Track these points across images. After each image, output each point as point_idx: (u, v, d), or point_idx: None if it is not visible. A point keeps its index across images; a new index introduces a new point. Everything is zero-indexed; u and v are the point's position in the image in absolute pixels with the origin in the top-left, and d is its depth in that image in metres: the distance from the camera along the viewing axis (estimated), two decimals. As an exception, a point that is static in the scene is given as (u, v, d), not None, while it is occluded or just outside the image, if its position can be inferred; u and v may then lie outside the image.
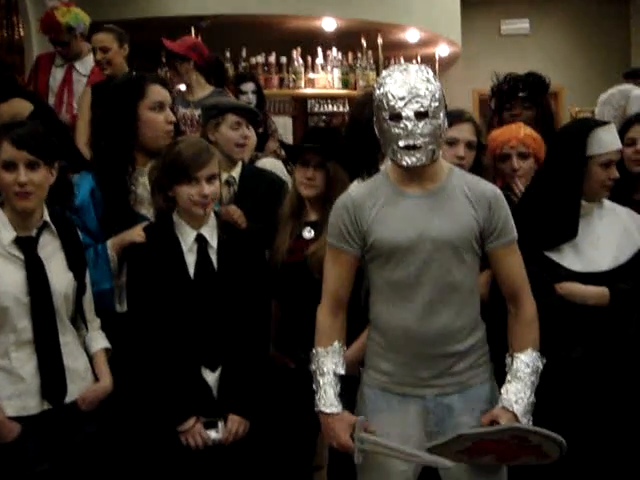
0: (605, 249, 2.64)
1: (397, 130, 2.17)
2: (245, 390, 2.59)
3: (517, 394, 2.21)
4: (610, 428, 2.57)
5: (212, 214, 2.64)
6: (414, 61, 7.54)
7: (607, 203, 2.73)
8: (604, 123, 2.67)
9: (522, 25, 10.58)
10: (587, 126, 2.65)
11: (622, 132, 3.04)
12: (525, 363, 2.25)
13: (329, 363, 2.30)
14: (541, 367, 2.27)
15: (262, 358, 2.68)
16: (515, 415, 2.18)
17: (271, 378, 2.73)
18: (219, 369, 2.57)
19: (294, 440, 2.92)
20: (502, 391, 2.25)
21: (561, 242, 2.62)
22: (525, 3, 10.38)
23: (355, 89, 7.27)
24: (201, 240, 2.58)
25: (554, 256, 2.63)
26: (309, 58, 7.24)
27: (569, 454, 2.16)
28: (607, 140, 2.63)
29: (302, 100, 7.86)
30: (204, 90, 4.48)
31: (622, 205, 2.77)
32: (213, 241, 2.61)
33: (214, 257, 2.60)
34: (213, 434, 2.53)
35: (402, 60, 7.70)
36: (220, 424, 2.55)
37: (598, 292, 2.58)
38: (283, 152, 3.85)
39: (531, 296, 2.32)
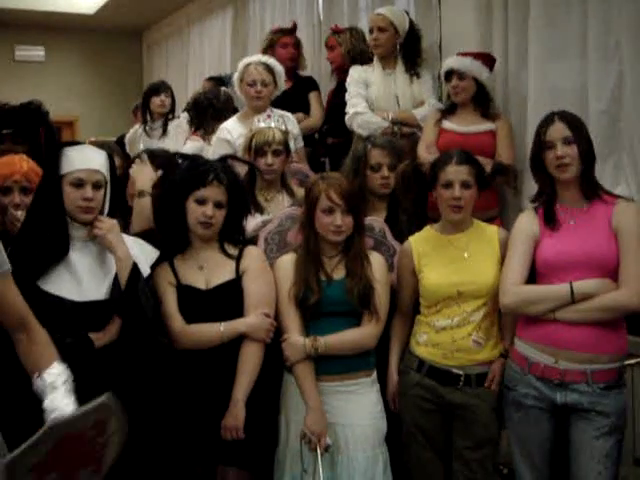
0: (100, 277, 2.70)
1: None
2: None
3: (62, 401, 2.16)
4: None
5: None
6: None
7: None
8: (76, 143, 2.74)
9: (37, 52, 10.47)
10: (59, 147, 2.69)
11: None
12: (55, 374, 2.21)
13: None
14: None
15: None
16: None
17: None
18: None
19: None
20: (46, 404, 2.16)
21: (53, 262, 2.62)
22: (40, 30, 10.26)
23: None
24: None
25: (51, 288, 2.60)
26: None
27: None
28: (77, 158, 2.65)
29: None
30: None
31: None
32: None
33: None
34: None
35: None
36: None
37: None
38: None
39: (34, 317, 2.29)
